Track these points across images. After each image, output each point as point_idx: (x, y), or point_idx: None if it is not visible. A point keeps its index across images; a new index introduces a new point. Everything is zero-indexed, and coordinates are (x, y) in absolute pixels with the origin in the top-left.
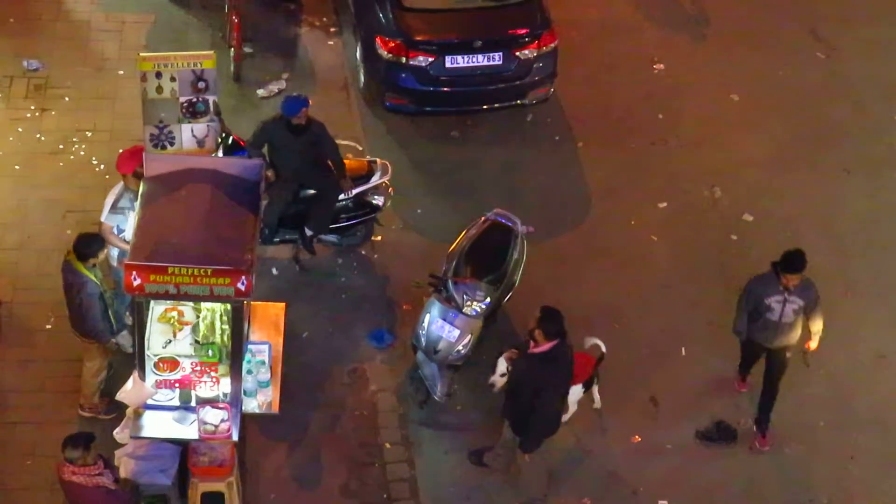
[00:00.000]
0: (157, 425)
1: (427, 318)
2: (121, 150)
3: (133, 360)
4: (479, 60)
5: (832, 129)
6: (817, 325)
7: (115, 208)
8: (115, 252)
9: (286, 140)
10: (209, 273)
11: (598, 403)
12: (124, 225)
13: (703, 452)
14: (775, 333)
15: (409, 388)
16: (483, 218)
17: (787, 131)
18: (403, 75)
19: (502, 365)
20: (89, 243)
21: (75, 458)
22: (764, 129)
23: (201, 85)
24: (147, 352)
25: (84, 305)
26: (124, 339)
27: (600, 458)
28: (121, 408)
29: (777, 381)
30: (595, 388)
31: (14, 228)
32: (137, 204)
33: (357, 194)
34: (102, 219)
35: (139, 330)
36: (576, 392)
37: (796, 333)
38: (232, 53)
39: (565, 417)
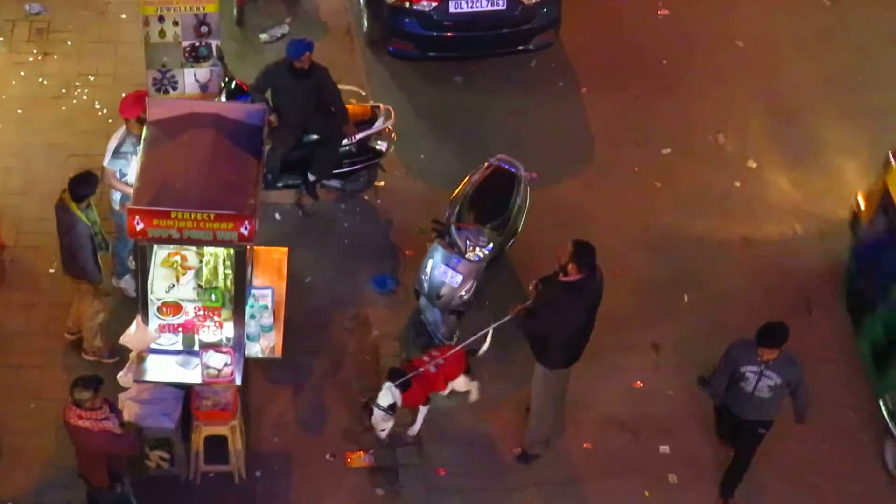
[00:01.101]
0: (161, 369)
1: (430, 263)
2: (124, 95)
3: (136, 305)
4: (483, 5)
5: (836, 75)
6: (802, 412)
7: (117, 153)
8: (117, 196)
9: (289, 85)
10: (212, 218)
11: (475, 396)
12: (127, 169)
13: (704, 398)
14: (748, 405)
15: (411, 333)
16: (486, 164)
17: (791, 78)
18: (407, 20)
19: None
20: (83, 183)
21: (84, 400)
22: (768, 75)
23: (204, 29)
24: (150, 296)
25: (74, 245)
26: (127, 284)
27: (601, 404)
28: (123, 352)
29: (748, 456)
30: (470, 379)
31: (17, 173)
32: (140, 148)
33: (360, 139)
34: (105, 163)
35: (142, 274)
36: (462, 383)
37: (772, 411)
38: None
39: (474, 396)
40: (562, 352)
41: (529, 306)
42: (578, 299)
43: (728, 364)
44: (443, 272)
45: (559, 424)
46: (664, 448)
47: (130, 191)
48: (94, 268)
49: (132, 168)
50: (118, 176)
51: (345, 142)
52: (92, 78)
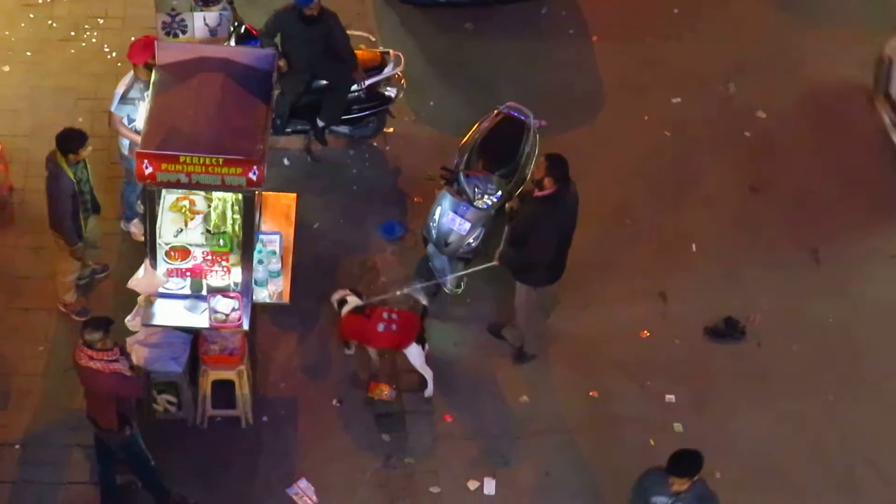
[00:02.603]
0: (169, 313)
1: (438, 210)
2: (133, 39)
3: (144, 249)
4: None
5: (850, 23)
6: None
7: (125, 99)
8: (126, 141)
9: (298, 30)
10: (221, 162)
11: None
12: (135, 115)
13: (711, 348)
14: None
15: (419, 280)
16: (496, 111)
17: (803, 25)
18: None
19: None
20: (68, 138)
21: (94, 341)
22: (780, 23)
23: None
24: (158, 240)
25: (53, 197)
26: (136, 228)
27: (608, 352)
28: (90, 312)
29: None
30: (423, 350)
31: (26, 115)
32: (149, 92)
33: (369, 85)
34: (112, 109)
35: (150, 219)
36: (415, 352)
37: None
38: None
39: (429, 390)
40: (546, 269)
41: (507, 236)
42: (557, 209)
43: (638, 495)
44: (451, 219)
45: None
46: (670, 397)
47: (137, 138)
48: (71, 225)
49: (140, 114)
50: (126, 122)
51: (354, 88)
52: (101, 20)
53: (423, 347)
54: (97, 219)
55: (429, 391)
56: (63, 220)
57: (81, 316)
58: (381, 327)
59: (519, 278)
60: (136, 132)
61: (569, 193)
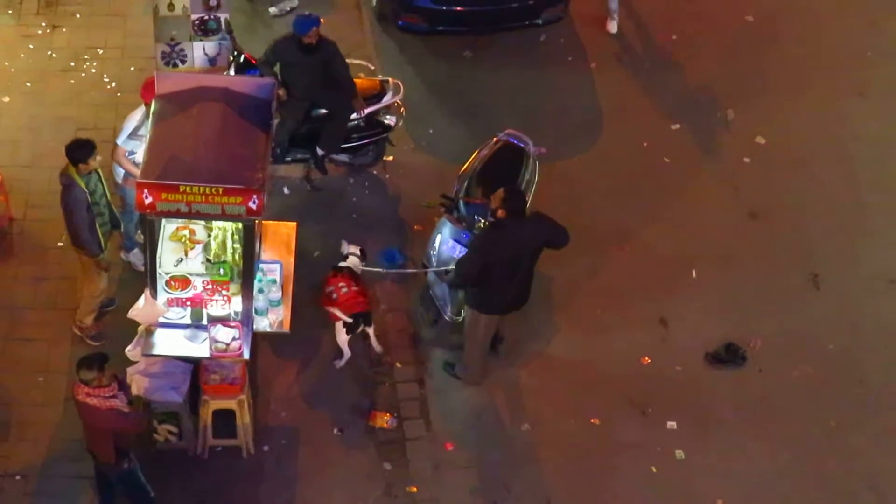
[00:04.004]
0: (169, 343)
1: (438, 238)
2: (132, 69)
3: (144, 279)
4: None
5: (847, 49)
6: None
7: (134, 134)
8: (120, 170)
9: (298, 59)
10: (221, 192)
11: (377, 348)
12: (138, 150)
13: (712, 374)
14: None
15: (419, 307)
16: (495, 139)
17: (800, 52)
18: None
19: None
20: (78, 148)
21: (90, 380)
22: (777, 50)
23: (213, 2)
24: (159, 270)
25: (68, 210)
26: (136, 258)
27: (609, 379)
28: (106, 337)
29: None
30: (370, 330)
31: (26, 146)
32: (149, 122)
33: (369, 114)
34: (119, 141)
35: (150, 248)
36: (337, 328)
37: None
38: None
39: (340, 363)
40: (491, 294)
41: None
42: (495, 236)
43: None
44: (451, 247)
45: (488, 369)
46: (671, 424)
47: (137, 171)
48: (89, 236)
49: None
50: (128, 156)
51: (353, 116)
52: (100, 51)
53: (370, 329)
54: None
55: (338, 362)
56: (80, 231)
57: (96, 341)
58: (329, 289)
59: (468, 301)
60: (137, 165)
61: (519, 229)
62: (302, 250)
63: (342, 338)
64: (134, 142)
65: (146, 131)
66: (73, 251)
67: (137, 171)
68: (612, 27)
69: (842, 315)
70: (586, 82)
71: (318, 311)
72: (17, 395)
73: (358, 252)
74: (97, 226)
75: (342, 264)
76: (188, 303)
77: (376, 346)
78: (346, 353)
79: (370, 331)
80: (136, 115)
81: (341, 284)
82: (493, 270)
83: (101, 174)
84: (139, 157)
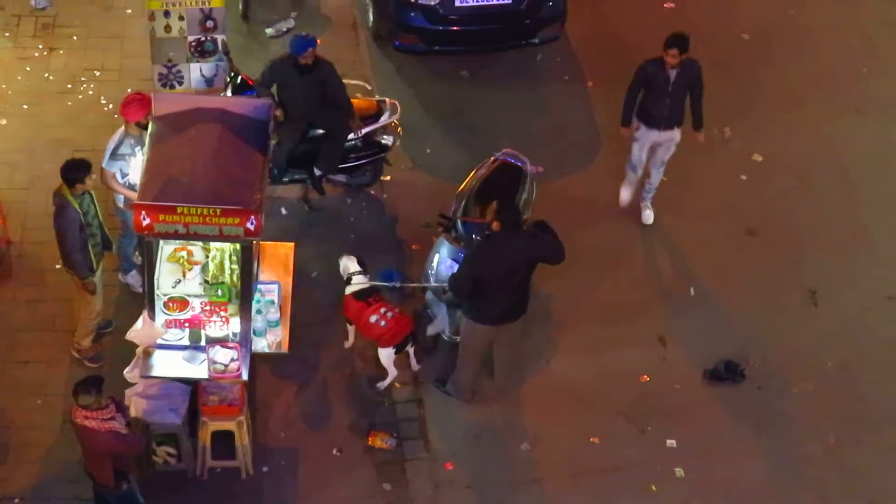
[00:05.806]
0: (167, 365)
1: (436, 257)
2: (130, 90)
3: (142, 300)
4: None
5: (843, 67)
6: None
7: (115, 154)
8: (120, 196)
9: (294, 80)
10: (218, 213)
11: (415, 366)
12: (127, 169)
13: (711, 392)
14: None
15: (418, 327)
16: (492, 158)
17: (797, 69)
18: (413, 14)
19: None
20: (74, 169)
21: (89, 404)
22: (774, 68)
23: (210, 24)
24: (157, 291)
25: (60, 231)
26: (133, 279)
27: (608, 398)
28: (104, 359)
29: None
30: (410, 350)
31: (23, 168)
32: (146, 143)
33: (366, 134)
34: (103, 165)
35: (148, 270)
36: (385, 354)
37: None
38: None
39: (384, 384)
40: (485, 305)
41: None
42: (494, 248)
43: None
44: (449, 266)
45: (481, 380)
46: (671, 442)
47: (129, 193)
48: (80, 258)
49: (132, 168)
50: (119, 177)
51: (350, 136)
52: (97, 73)
53: (410, 349)
54: None
55: (381, 384)
56: (71, 252)
57: (94, 362)
58: (373, 318)
59: (464, 310)
60: (130, 186)
61: (513, 241)
62: (300, 271)
63: (389, 360)
64: (118, 161)
65: (127, 149)
66: (69, 275)
67: (126, 192)
68: (648, 217)
69: (840, 331)
70: (583, 101)
71: (317, 331)
72: (16, 417)
73: (357, 265)
74: (89, 246)
75: (360, 288)
76: (186, 324)
77: (415, 364)
78: (393, 372)
79: (413, 349)
80: (116, 136)
81: (383, 310)
82: (486, 282)
83: (93, 195)
84: (131, 177)
